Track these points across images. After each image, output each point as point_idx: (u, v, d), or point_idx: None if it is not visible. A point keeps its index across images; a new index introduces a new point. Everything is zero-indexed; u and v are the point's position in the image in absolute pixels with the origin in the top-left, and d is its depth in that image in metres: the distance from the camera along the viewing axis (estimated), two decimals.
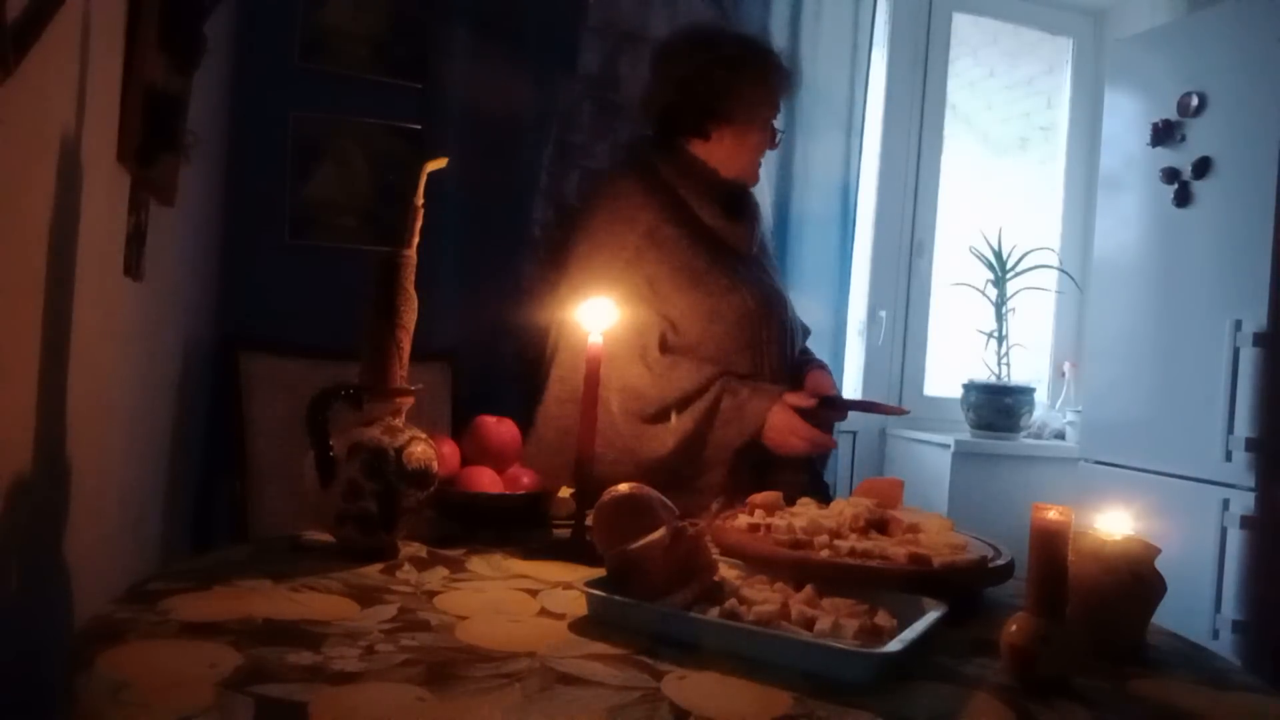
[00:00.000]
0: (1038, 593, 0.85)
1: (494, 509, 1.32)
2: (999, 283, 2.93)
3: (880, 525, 1.18)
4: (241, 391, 2.03)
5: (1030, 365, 3.21)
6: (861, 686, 0.79)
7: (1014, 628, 0.85)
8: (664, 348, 1.60)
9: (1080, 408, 2.92)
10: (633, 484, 1.16)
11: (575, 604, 0.97)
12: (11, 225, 0.91)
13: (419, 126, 2.37)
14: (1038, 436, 3.01)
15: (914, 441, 2.95)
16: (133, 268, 1.36)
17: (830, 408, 1.60)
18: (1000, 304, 2.92)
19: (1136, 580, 0.97)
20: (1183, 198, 2.44)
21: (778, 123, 1.77)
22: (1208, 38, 2.45)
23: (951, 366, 3.12)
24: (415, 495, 1.11)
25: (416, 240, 1.15)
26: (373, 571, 1.05)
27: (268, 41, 2.26)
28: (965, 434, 2.86)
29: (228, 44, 2.08)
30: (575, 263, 1.65)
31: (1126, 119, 2.66)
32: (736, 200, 1.75)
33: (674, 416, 1.54)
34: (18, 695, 1.01)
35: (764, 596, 0.94)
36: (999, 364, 2.90)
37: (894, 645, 0.83)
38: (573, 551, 1.18)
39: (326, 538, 1.14)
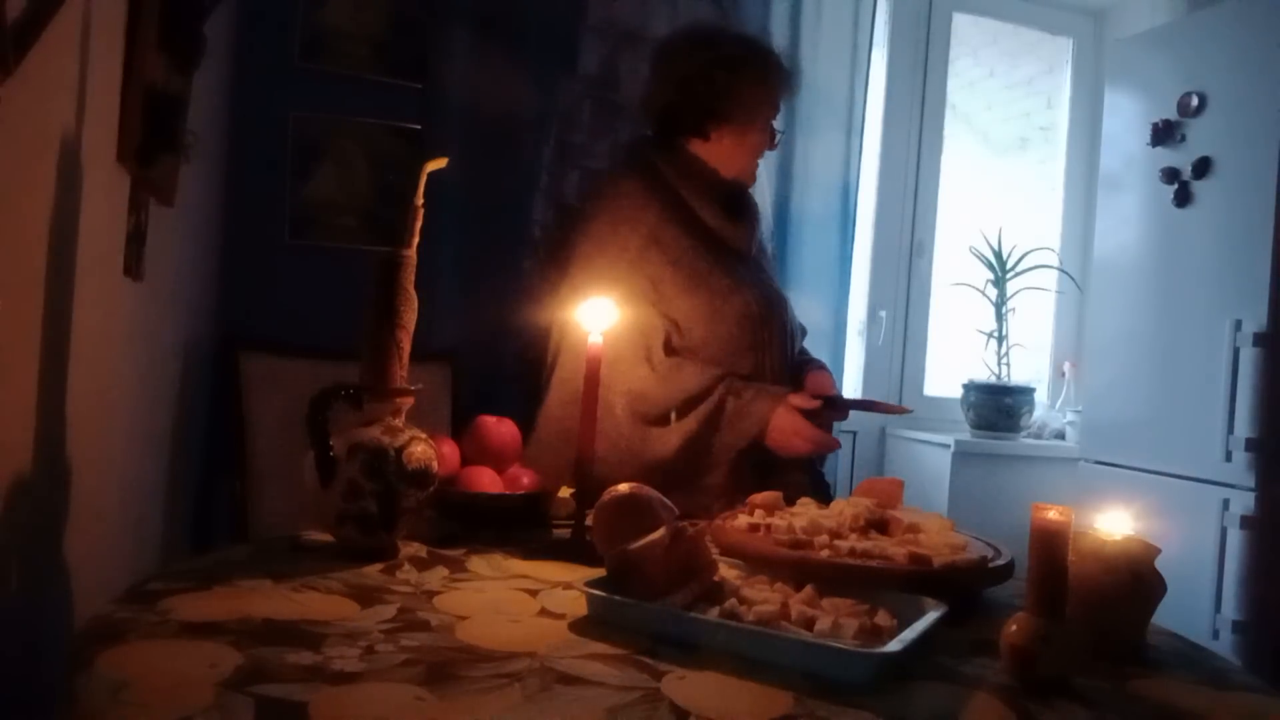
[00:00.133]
0: (1038, 593, 0.85)
1: (494, 509, 1.32)
2: (999, 283, 2.93)
3: (880, 525, 1.18)
4: (241, 391, 2.03)
5: (1030, 365, 3.21)
6: (861, 686, 0.79)
7: (1014, 628, 0.85)
8: (668, 349, 1.60)
9: (1080, 408, 2.93)
10: (633, 484, 1.16)
11: (575, 604, 0.97)
12: (11, 225, 0.91)
13: (419, 126, 2.37)
14: (1038, 436, 3.01)
15: (914, 441, 2.95)
16: (133, 268, 1.36)
17: (832, 408, 1.60)
18: (1000, 304, 2.92)
19: (1136, 580, 0.97)
20: (1183, 198, 2.44)
21: (777, 123, 1.77)
22: (1208, 38, 2.45)
23: (951, 366, 3.12)
24: (415, 495, 1.11)
25: (416, 240, 1.15)
26: (373, 571, 1.05)
27: (268, 41, 2.26)
28: (965, 434, 2.86)
29: (228, 44, 2.08)
30: (577, 264, 1.65)
31: (1126, 119, 2.66)
32: (736, 201, 1.75)
33: (674, 417, 1.54)
34: (18, 695, 1.01)
35: (764, 596, 0.94)
36: (999, 364, 2.90)
37: (894, 645, 0.83)
38: (573, 551, 1.18)
39: (326, 538, 1.14)
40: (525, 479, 1.41)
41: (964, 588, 1.06)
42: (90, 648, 0.75)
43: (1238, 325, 2.25)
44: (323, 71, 2.31)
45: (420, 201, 1.16)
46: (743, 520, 1.18)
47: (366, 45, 2.35)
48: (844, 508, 1.21)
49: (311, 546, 1.14)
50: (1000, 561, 1.11)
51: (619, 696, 0.74)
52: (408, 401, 1.14)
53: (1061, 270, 3.13)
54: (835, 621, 0.87)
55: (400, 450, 1.09)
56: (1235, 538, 2.23)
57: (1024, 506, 0.89)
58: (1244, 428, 2.24)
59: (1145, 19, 3.03)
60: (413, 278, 1.14)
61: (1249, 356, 2.24)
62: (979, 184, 3.28)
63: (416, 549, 1.17)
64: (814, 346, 1.95)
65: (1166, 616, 1.03)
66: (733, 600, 0.92)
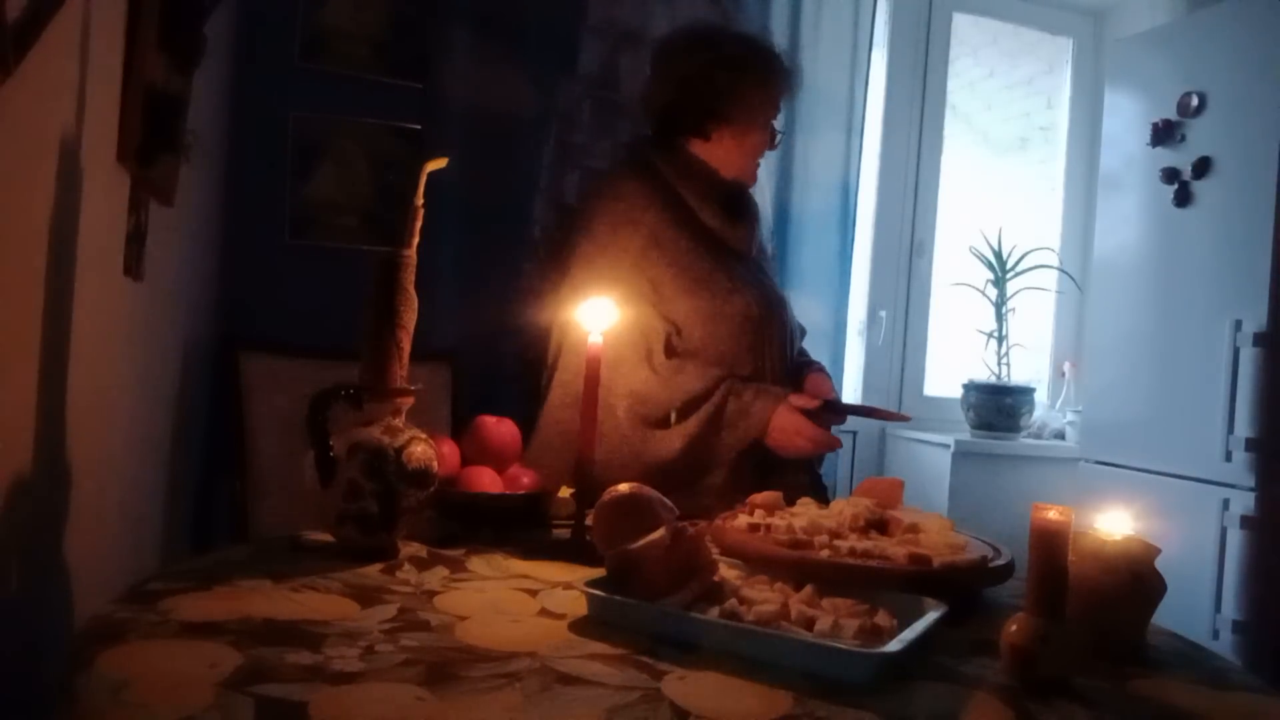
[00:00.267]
0: (1038, 593, 0.85)
1: (494, 509, 1.32)
2: (999, 283, 2.93)
3: (880, 525, 1.18)
4: (241, 391, 2.03)
5: (1030, 365, 3.21)
6: (861, 686, 0.79)
7: (1014, 628, 0.85)
8: (668, 351, 1.60)
9: (1080, 408, 2.93)
10: (632, 484, 1.16)
11: (575, 604, 0.97)
12: (11, 225, 0.91)
13: (419, 126, 2.37)
14: (1038, 436, 3.01)
15: (914, 441, 2.95)
16: (133, 268, 1.36)
17: (831, 411, 1.61)
18: (1000, 304, 2.92)
19: (1136, 580, 0.97)
20: (1183, 198, 2.44)
21: (778, 123, 1.77)
22: (1208, 38, 2.45)
23: (951, 366, 3.12)
24: (415, 495, 1.11)
25: (416, 240, 1.15)
26: (373, 571, 1.05)
27: (268, 41, 2.26)
28: (965, 434, 2.86)
29: (228, 44, 2.08)
30: (577, 265, 1.65)
31: (1126, 119, 2.66)
32: (736, 201, 1.75)
33: (674, 419, 1.54)
34: (18, 695, 1.01)
35: (764, 596, 0.94)
36: (999, 364, 2.90)
37: (894, 645, 0.83)
38: (573, 551, 1.18)
39: (326, 538, 1.14)
40: (525, 479, 1.41)
41: (964, 588, 1.06)
42: (90, 648, 0.75)
43: (1238, 325, 2.25)
44: (323, 71, 2.31)
45: (420, 201, 1.16)
46: (743, 520, 1.18)
47: (366, 45, 2.35)
48: (844, 508, 1.21)
49: (311, 546, 1.14)
50: (1000, 561, 1.11)
51: (619, 696, 0.74)
52: (408, 401, 1.14)
53: (1061, 270, 3.13)
54: (835, 621, 0.87)
55: (400, 450, 1.09)
56: (1235, 538, 2.23)
57: (1024, 506, 0.89)
58: (1244, 428, 2.24)
59: (1145, 19, 3.03)
60: (413, 278, 1.14)
61: (1249, 356, 2.24)
62: (979, 184, 3.28)
63: (416, 549, 1.17)
64: (814, 346, 1.95)
65: (1166, 616, 1.03)
66: (733, 600, 0.92)
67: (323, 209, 2.33)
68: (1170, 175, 2.46)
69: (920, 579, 1.00)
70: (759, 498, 1.26)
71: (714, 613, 0.90)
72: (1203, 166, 2.38)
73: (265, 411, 2.03)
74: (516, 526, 1.31)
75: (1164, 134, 2.49)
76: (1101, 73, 3.12)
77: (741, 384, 1.57)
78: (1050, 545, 0.85)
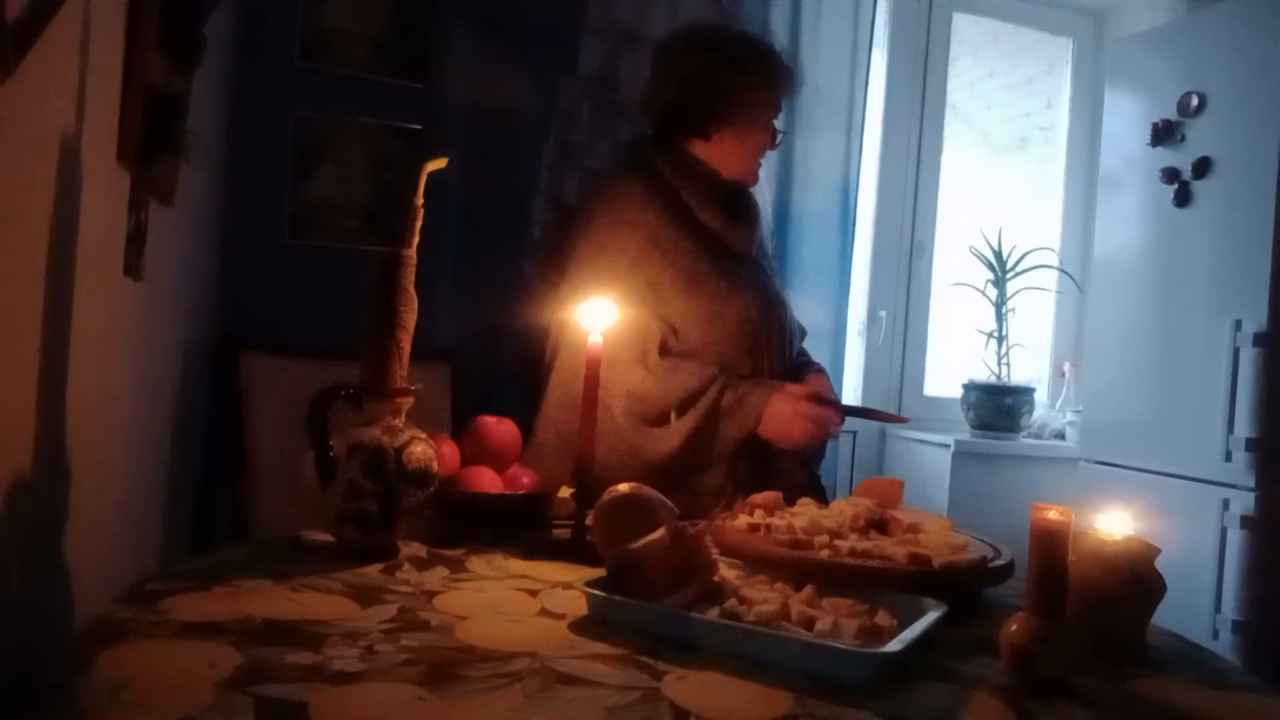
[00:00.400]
0: (1038, 593, 0.85)
1: (494, 509, 1.32)
2: (999, 283, 2.93)
3: (880, 525, 1.18)
4: (241, 391, 2.03)
5: (1030, 365, 3.21)
6: (861, 686, 0.79)
7: (1014, 628, 0.85)
8: (663, 352, 1.60)
9: (1080, 408, 2.92)
10: (632, 484, 1.16)
11: (575, 604, 0.97)
12: (11, 225, 0.91)
13: (419, 126, 2.37)
14: (1038, 436, 3.01)
15: (914, 441, 2.95)
16: (133, 268, 1.36)
17: (853, 416, 1.62)
18: (1000, 304, 2.92)
19: (1136, 580, 0.97)
20: (1183, 198, 2.44)
21: (778, 123, 1.76)
22: (1208, 38, 2.45)
23: (951, 366, 3.12)
24: (415, 495, 1.11)
25: (416, 240, 1.15)
26: (373, 571, 1.05)
27: (268, 41, 2.26)
28: (965, 434, 2.86)
29: (228, 44, 2.07)
30: (576, 265, 1.65)
31: (1126, 119, 2.66)
32: (736, 201, 1.75)
33: (674, 418, 1.54)
34: (18, 695, 1.01)
35: (764, 596, 0.94)
36: (999, 364, 2.90)
37: (894, 645, 0.83)
38: (573, 551, 1.18)
39: (326, 538, 1.14)
40: (525, 479, 1.41)
41: (964, 588, 1.06)
42: (90, 648, 0.75)
43: (1238, 325, 2.25)
44: (323, 71, 2.31)
45: (420, 201, 1.16)
46: (743, 520, 1.18)
47: (366, 45, 2.35)
48: (844, 508, 1.21)
49: (311, 546, 1.14)
50: (1000, 561, 1.11)
51: (619, 696, 0.74)
52: (408, 401, 1.14)
53: (1061, 270, 3.13)
54: (835, 621, 0.87)
55: (400, 450, 1.09)
56: (1235, 538, 2.23)
57: (1024, 506, 0.89)
58: (1244, 428, 2.24)
59: (1145, 19, 3.03)
60: (413, 278, 1.14)
61: (1249, 356, 2.24)
62: (979, 184, 3.28)
63: (416, 549, 1.17)
64: (814, 346, 1.95)
65: (1166, 616, 1.03)
66: (733, 600, 0.92)
67: (323, 209, 2.33)
68: (1170, 175, 2.46)
69: (920, 579, 1.00)
70: (759, 498, 1.26)
71: (714, 613, 0.90)
72: (1203, 166, 2.38)
73: (265, 411, 2.03)
74: (516, 526, 1.31)
75: (1164, 134, 2.49)
76: (1101, 73, 3.12)
77: (737, 379, 1.57)
78: (1050, 545, 0.85)
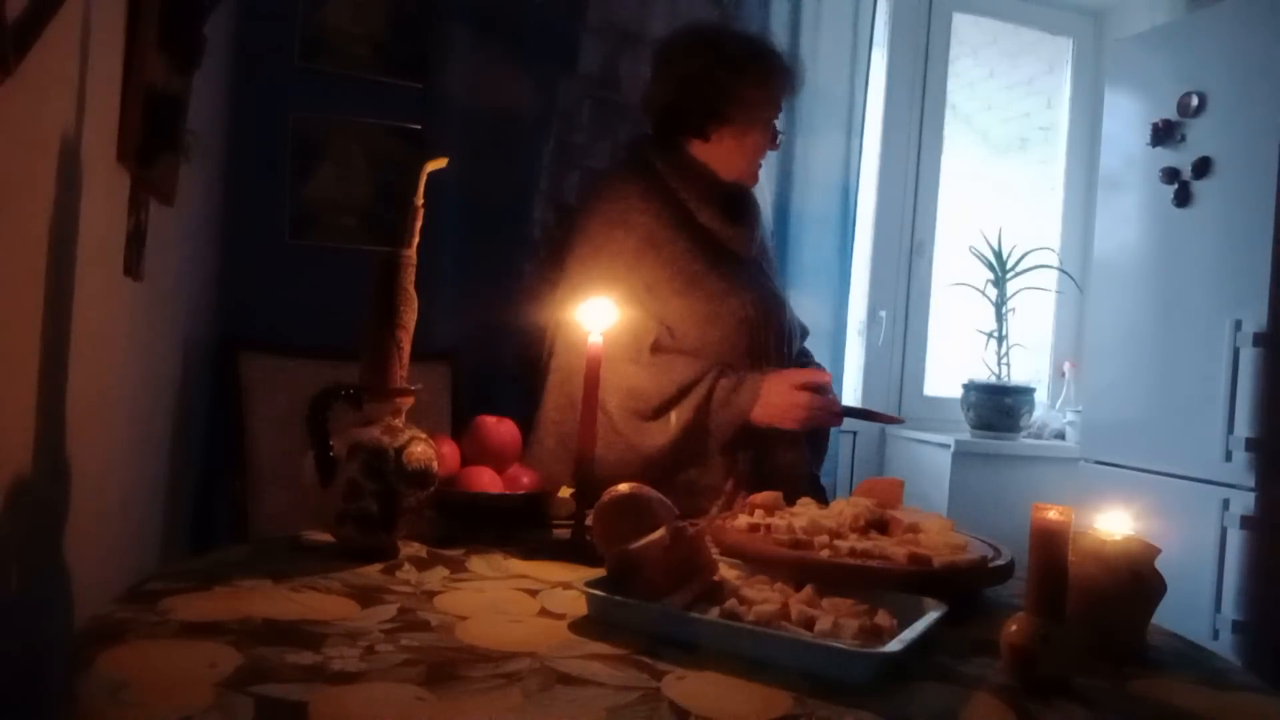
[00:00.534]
0: (1038, 593, 0.85)
1: (494, 509, 1.32)
2: (999, 283, 2.93)
3: (880, 525, 1.18)
4: (241, 391, 2.03)
5: (1030, 365, 3.21)
6: (861, 686, 0.79)
7: (1014, 628, 0.85)
8: (658, 351, 1.60)
9: (1080, 408, 2.92)
10: (633, 484, 1.16)
11: (575, 604, 0.97)
12: (11, 225, 0.91)
13: (419, 126, 2.37)
14: (1038, 436, 3.01)
15: (914, 441, 2.95)
16: (133, 268, 1.36)
17: (849, 416, 1.62)
18: (1000, 304, 2.92)
19: (1136, 580, 0.97)
20: (1183, 198, 2.44)
21: (779, 124, 1.76)
22: (1208, 38, 2.44)
23: (951, 366, 3.12)
24: (415, 495, 1.11)
25: (416, 240, 1.15)
26: (373, 571, 1.05)
27: (268, 41, 2.26)
28: (965, 434, 2.86)
29: (228, 44, 2.08)
30: (573, 266, 1.65)
31: (1126, 119, 2.66)
32: (736, 202, 1.75)
33: (674, 418, 1.54)
34: (18, 695, 1.01)
35: (764, 596, 0.94)
36: (999, 364, 2.90)
37: (894, 645, 0.83)
38: (573, 551, 1.19)
39: (326, 538, 1.14)
40: (525, 479, 1.41)
41: (964, 588, 1.06)
42: (90, 648, 0.75)
43: (1238, 325, 2.25)
44: (323, 71, 2.31)
45: (420, 201, 1.16)
46: (743, 520, 1.18)
47: (366, 45, 2.35)
48: (844, 508, 1.21)
49: (311, 546, 1.14)
50: (1000, 561, 1.11)
51: (619, 696, 0.74)
52: (408, 401, 1.14)
53: (1061, 270, 3.13)
54: (835, 621, 0.87)
55: (400, 450, 1.09)
56: (1235, 538, 2.23)
57: (1024, 506, 0.89)
58: (1244, 428, 2.24)
59: (1145, 19, 3.03)
60: (413, 278, 1.14)
61: (1249, 356, 2.24)
62: (979, 184, 3.28)
63: (416, 549, 1.17)
64: (814, 346, 1.95)
65: (1166, 616, 1.03)
66: (733, 600, 0.92)
67: (323, 209, 2.33)
68: (1170, 175, 2.46)
69: (920, 579, 1.00)
70: (759, 498, 1.26)
71: (714, 613, 0.90)
72: (1203, 166, 2.38)
73: (265, 411, 2.03)
74: (516, 526, 1.31)
75: (1164, 134, 2.49)
76: (1101, 73, 3.12)
77: (731, 370, 1.58)
78: (1050, 545, 0.85)
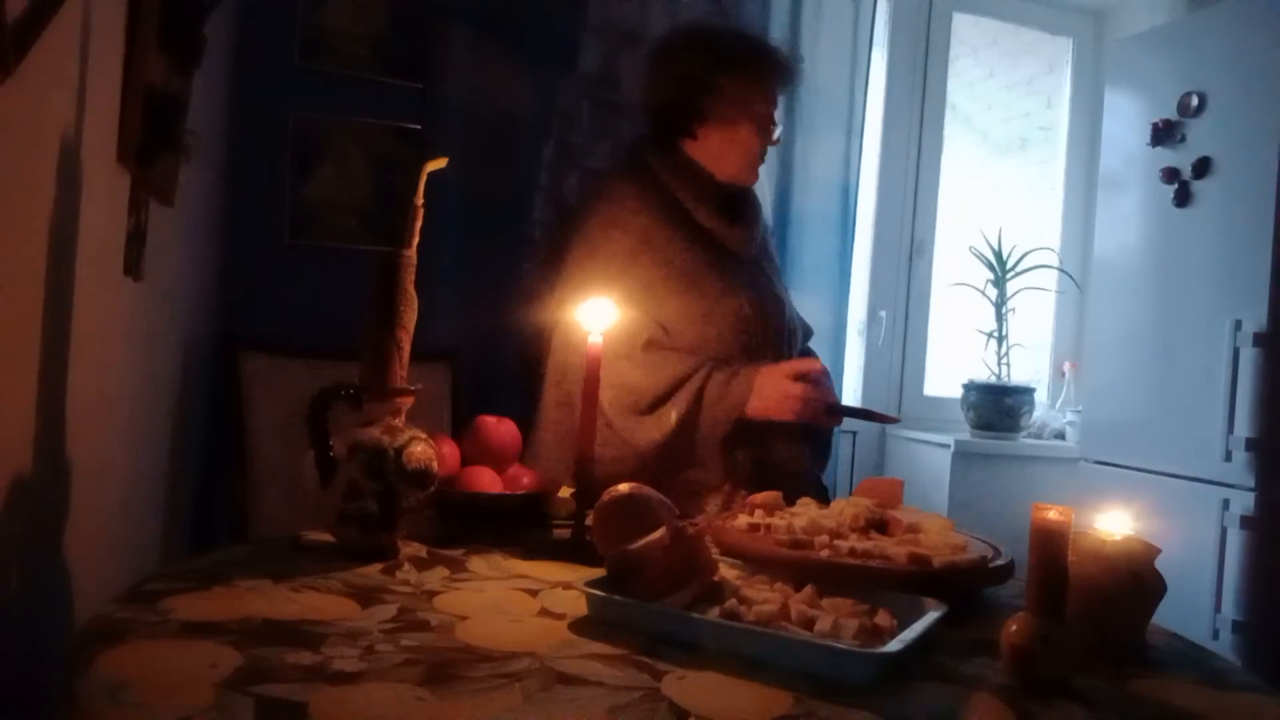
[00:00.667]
0: (1038, 593, 0.85)
1: (494, 509, 1.32)
2: (999, 283, 2.93)
3: (880, 525, 1.18)
4: (241, 391, 2.03)
5: (1030, 365, 3.21)
6: (861, 686, 0.79)
7: (1014, 628, 0.85)
8: (652, 350, 1.60)
9: (1080, 408, 2.92)
10: (632, 484, 1.16)
11: (575, 604, 0.97)
12: (11, 225, 0.91)
13: (419, 126, 2.37)
14: (1038, 436, 3.01)
15: (914, 441, 2.95)
16: (133, 268, 1.36)
17: (829, 413, 1.61)
18: (1000, 304, 2.92)
19: (1136, 580, 0.97)
20: (1183, 198, 2.44)
21: (778, 121, 1.75)
22: (1208, 38, 2.45)
23: (951, 366, 3.12)
24: (415, 495, 1.11)
25: (416, 240, 1.15)
26: (373, 571, 1.05)
27: (268, 41, 2.26)
28: (965, 434, 2.86)
29: (228, 44, 2.08)
30: (570, 267, 1.66)
31: (1126, 119, 2.66)
32: (736, 201, 1.75)
33: (674, 417, 1.54)
34: (18, 695, 1.01)
35: (764, 596, 0.94)
36: (999, 364, 2.90)
37: (894, 645, 0.83)
38: (573, 551, 1.19)
39: (326, 538, 1.14)
40: (525, 479, 1.41)
41: (964, 588, 1.06)
42: (90, 648, 0.75)
43: (1238, 325, 2.25)
44: (323, 71, 2.31)
45: (420, 201, 1.16)
46: (743, 520, 1.18)
47: (366, 45, 2.35)
48: (844, 508, 1.21)
49: (311, 546, 1.14)
50: (1000, 561, 1.11)
51: (619, 696, 0.74)
52: (408, 401, 1.14)
53: (1061, 270, 3.13)
54: (835, 621, 0.87)
55: (400, 450, 1.09)
56: (1235, 538, 2.23)
57: (1024, 506, 0.89)
58: (1244, 428, 2.24)
59: (1145, 19, 3.03)
60: (413, 278, 1.14)
61: (1249, 356, 2.24)
62: (979, 184, 3.28)
63: (416, 549, 1.17)
64: (814, 346, 1.95)
65: (1166, 616, 1.03)
66: (733, 600, 0.92)
67: (323, 209, 2.33)
68: (1170, 175, 2.46)
69: (920, 579, 1.00)
70: (759, 498, 1.26)
71: (714, 613, 0.90)
72: (1203, 166, 2.38)
73: (265, 411, 2.03)
74: (516, 526, 1.31)
75: (1164, 134, 2.49)
76: (1101, 73, 3.12)
77: (725, 364, 1.58)
78: (1050, 545, 0.85)
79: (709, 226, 1.68)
